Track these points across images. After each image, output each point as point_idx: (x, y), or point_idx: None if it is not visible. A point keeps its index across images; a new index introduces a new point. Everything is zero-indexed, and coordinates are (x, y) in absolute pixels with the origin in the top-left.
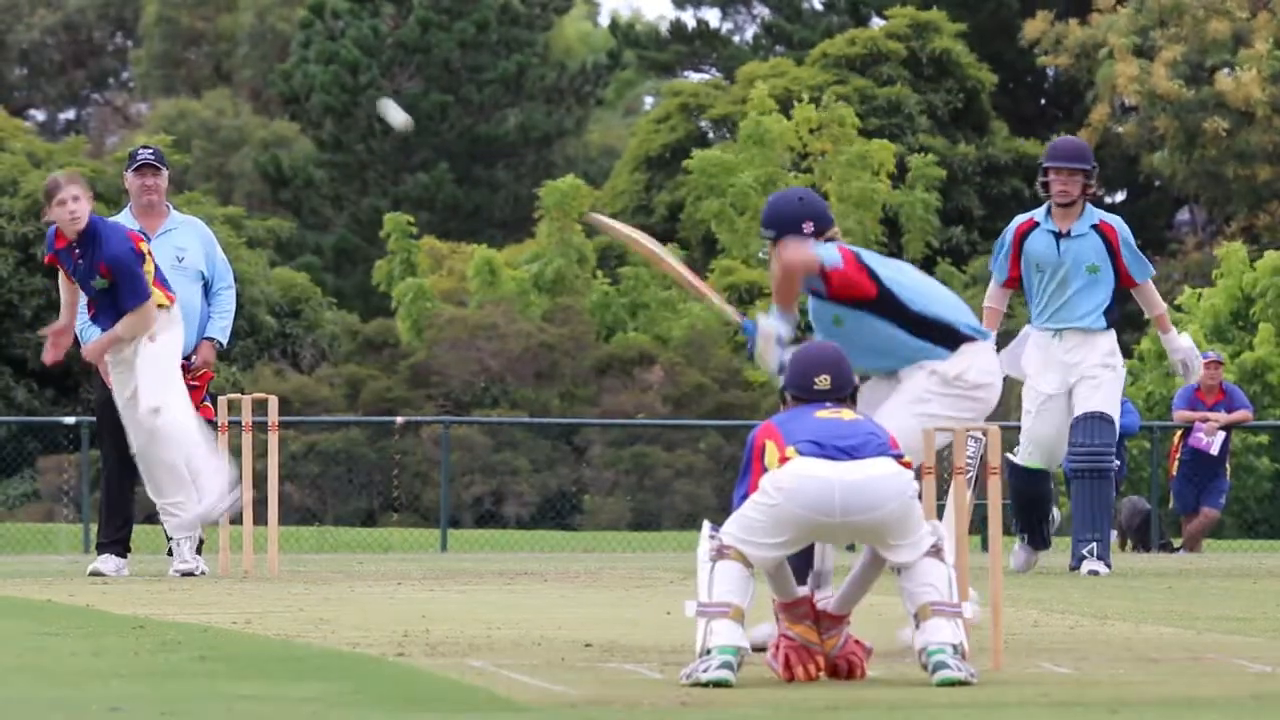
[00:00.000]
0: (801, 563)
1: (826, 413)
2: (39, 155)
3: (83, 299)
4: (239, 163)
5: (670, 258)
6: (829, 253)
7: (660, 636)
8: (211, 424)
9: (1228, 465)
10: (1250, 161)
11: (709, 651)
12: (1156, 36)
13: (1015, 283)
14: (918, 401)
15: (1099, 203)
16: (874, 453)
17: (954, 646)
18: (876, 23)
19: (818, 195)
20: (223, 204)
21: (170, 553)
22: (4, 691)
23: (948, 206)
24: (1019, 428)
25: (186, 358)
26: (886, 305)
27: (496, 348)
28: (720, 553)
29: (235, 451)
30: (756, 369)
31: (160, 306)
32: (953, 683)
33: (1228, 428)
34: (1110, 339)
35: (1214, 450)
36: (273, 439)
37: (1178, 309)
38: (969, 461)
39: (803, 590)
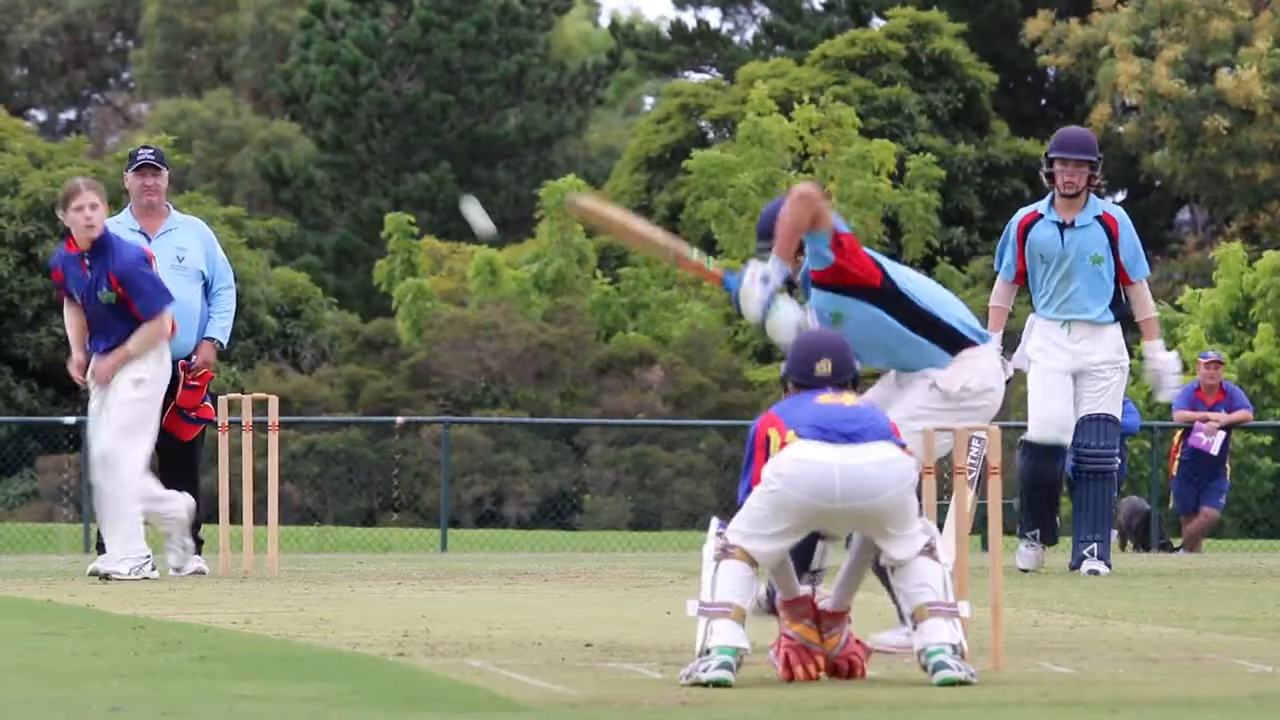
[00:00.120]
0: (800, 559)
1: (828, 398)
2: (39, 155)
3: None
4: (240, 163)
5: (641, 225)
6: (841, 221)
7: (660, 636)
8: (212, 424)
9: (1228, 465)
10: (1251, 161)
11: (708, 652)
12: (1157, 36)
13: (1022, 278)
14: (917, 418)
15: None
16: (876, 438)
17: (953, 647)
18: (877, 23)
19: None
20: (223, 204)
21: (100, 548)
22: (4, 691)
23: (948, 207)
24: (1019, 428)
25: (186, 358)
26: (889, 297)
27: (497, 348)
28: (725, 552)
29: (235, 451)
30: (756, 368)
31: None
32: (953, 683)
33: (1228, 428)
34: (1118, 333)
35: (1214, 450)
36: (273, 439)
37: (1178, 309)
38: (971, 462)
39: (804, 590)
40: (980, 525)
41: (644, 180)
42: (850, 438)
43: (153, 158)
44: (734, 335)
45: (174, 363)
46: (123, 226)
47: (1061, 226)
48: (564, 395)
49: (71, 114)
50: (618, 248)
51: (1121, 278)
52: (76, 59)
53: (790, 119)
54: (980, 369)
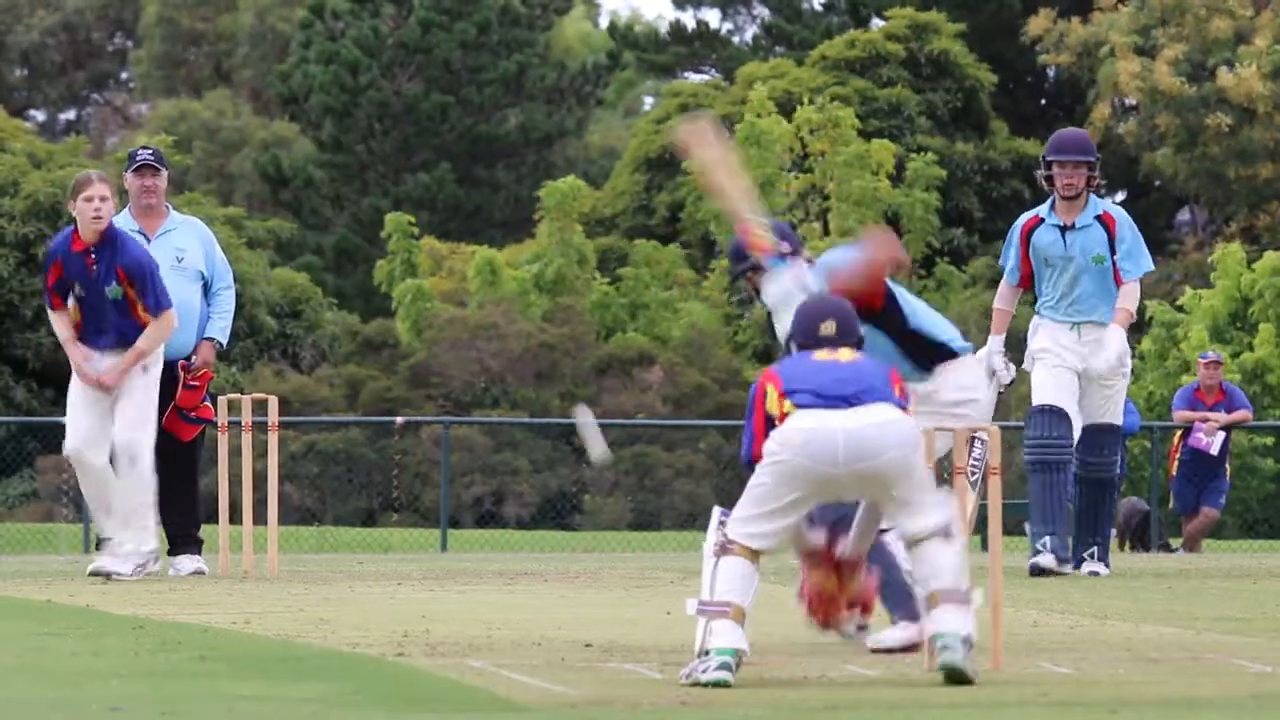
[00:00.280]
0: None
1: (824, 354)
2: (39, 156)
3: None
4: (239, 163)
5: (732, 180)
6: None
7: (660, 636)
8: (211, 424)
9: (1228, 465)
10: (1252, 160)
11: (707, 653)
12: (1158, 35)
13: (1027, 281)
14: None
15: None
16: (875, 399)
17: (963, 638)
18: (876, 23)
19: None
20: (223, 205)
21: (98, 546)
22: (4, 691)
23: (947, 207)
24: (1019, 428)
25: (186, 358)
26: (887, 317)
27: (496, 348)
28: (725, 548)
29: (235, 452)
30: (756, 368)
31: None
32: (955, 667)
33: (1227, 428)
34: (1123, 336)
35: (1214, 450)
36: (272, 439)
37: (1179, 309)
38: (974, 464)
39: (819, 539)
40: (980, 525)
41: (644, 180)
42: (849, 400)
43: (152, 158)
44: (733, 335)
45: (174, 363)
46: (122, 227)
47: (1063, 229)
48: (564, 395)
49: (71, 114)
50: (617, 249)
51: (1115, 276)
52: (76, 59)
53: (790, 120)
54: (952, 380)
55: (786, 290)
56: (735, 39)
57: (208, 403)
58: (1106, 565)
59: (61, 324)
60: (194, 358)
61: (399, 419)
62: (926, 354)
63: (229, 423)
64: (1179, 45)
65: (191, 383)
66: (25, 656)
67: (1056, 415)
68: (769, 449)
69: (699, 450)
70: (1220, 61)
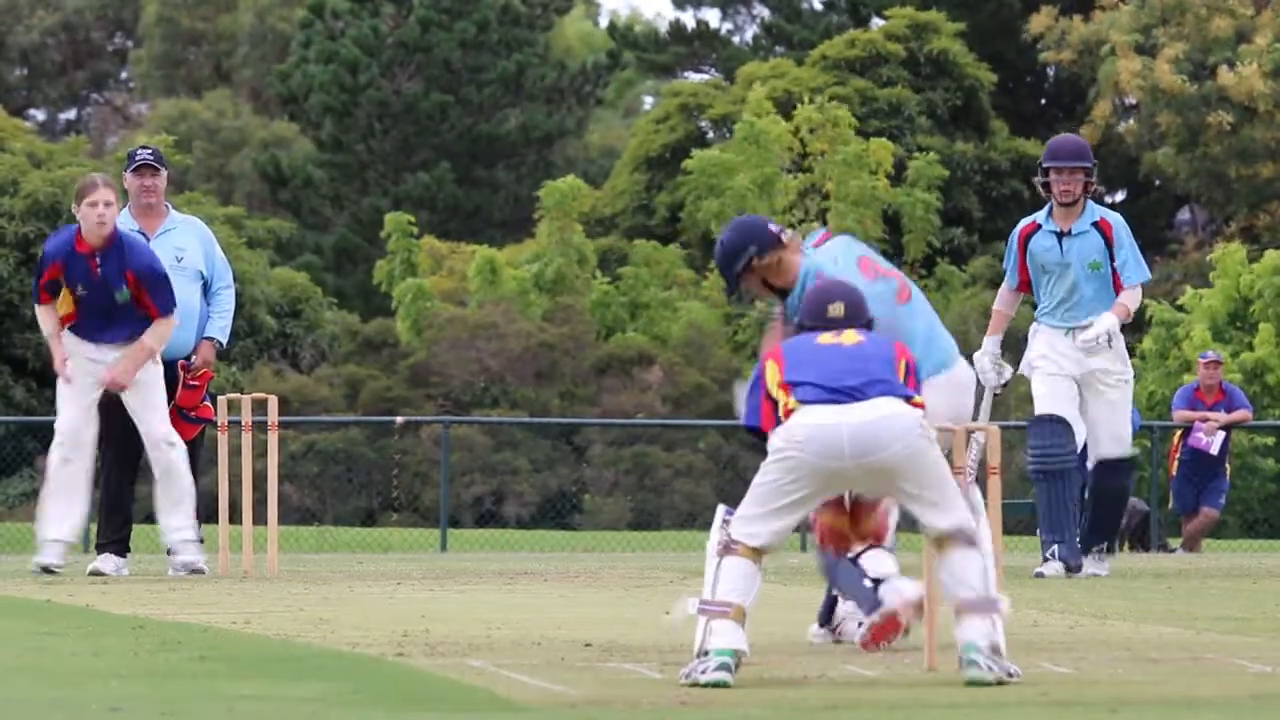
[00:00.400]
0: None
1: (829, 337)
2: (39, 155)
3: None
4: (239, 163)
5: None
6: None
7: (660, 636)
8: (211, 424)
9: (1228, 465)
10: (1253, 160)
11: (707, 653)
12: (1159, 34)
13: (1026, 286)
14: None
15: (1100, 200)
16: (880, 393)
17: (991, 646)
18: (876, 23)
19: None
20: (223, 204)
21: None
22: (4, 691)
23: (947, 207)
24: (1019, 427)
25: (186, 358)
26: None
27: (496, 348)
28: (728, 548)
29: (235, 451)
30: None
31: None
32: (980, 683)
33: (1227, 427)
34: (1120, 341)
35: (1214, 450)
36: (272, 439)
37: (1179, 309)
38: (971, 463)
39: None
40: None
41: (644, 180)
42: (853, 393)
43: (151, 158)
44: (733, 335)
45: (174, 362)
46: (121, 227)
47: (1060, 236)
48: (563, 395)
49: (71, 114)
50: (617, 249)
51: (1115, 282)
52: (76, 59)
53: (790, 119)
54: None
55: None
56: (735, 39)
57: (208, 402)
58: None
59: (48, 319)
60: (194, 357)
61: (399, 419)
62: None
63: (229, 422)
64: (1180, 44)
65: (191, 382)
66: (25, 656)
67: (1057, 424)
68: (774, 445)
69: (699, 450)
70: (1221, 60)
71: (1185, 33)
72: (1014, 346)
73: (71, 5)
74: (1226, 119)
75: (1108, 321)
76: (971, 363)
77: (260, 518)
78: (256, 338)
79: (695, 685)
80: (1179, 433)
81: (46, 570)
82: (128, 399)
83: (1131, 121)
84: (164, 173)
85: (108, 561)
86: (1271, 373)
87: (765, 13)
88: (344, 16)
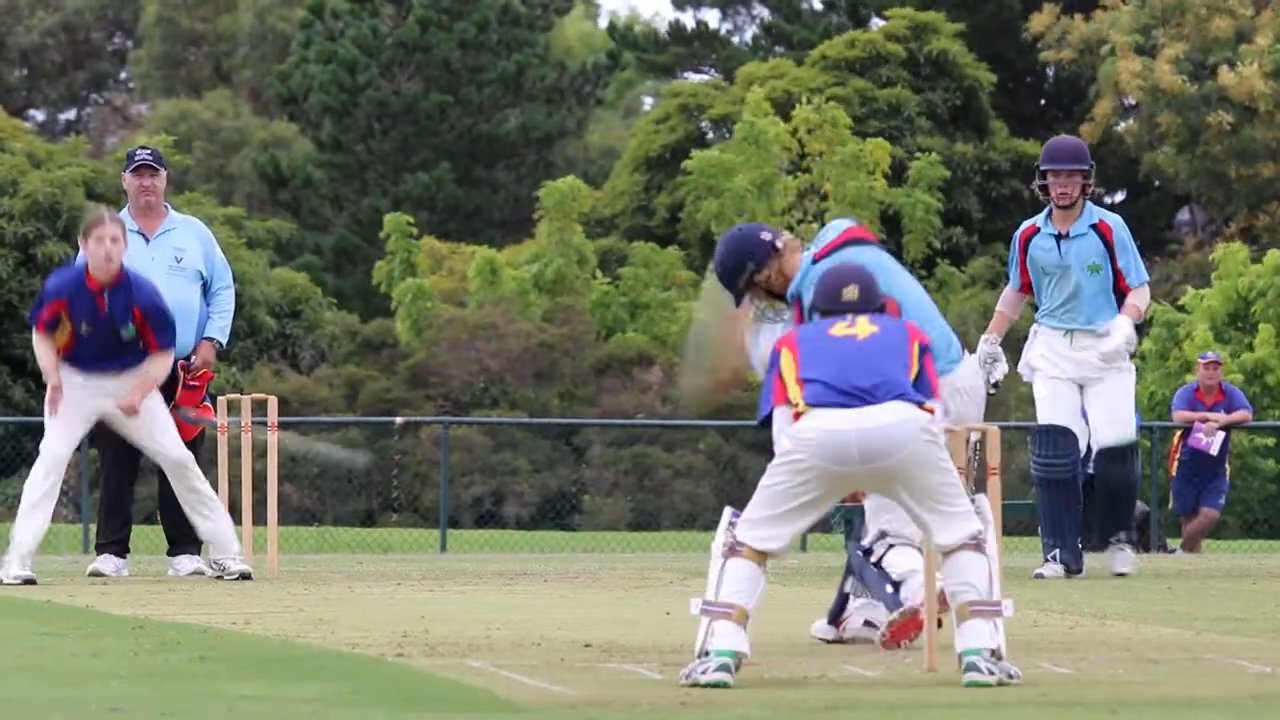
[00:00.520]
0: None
1: (841, 328)
2: (39, 156)
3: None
4: (239, 164)
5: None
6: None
7: (660, 636)
8: (212, 424)
9: (1227, 465)
10: (1253, 160)
11: (707, 653)
12: (1159, 34)
13: (1029, 288)
14: None
15: (1099, 203)
16: (889, 396)
17: (991, 651)
18: (876, 23)
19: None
20: (223, 205)
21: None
22: (4, 691)
23: (947, 207)
24: (1019, 428)
25: (186, 358)
26: None
27: (496, 348)
28: (733, 550)
29: (235, 452)
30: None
31: None
32: (980, 686)
33: (1227, 428)
34: (1130, 325)
35: (1213, 450)
36: (272, 439)
37: (1180, 309)
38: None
39: None
40: None
41: (643, 180)
42: (864, 395)
43: (150, 158)
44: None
45: (174, 362)
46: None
47: (1058, 238)
48: (563, 395)
49: (71, 114)
50: (617, 250)
51: (1120, 284)
52: (76, 59)
53: (788, 120)
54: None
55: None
56: (735, 39)
57: (208, 402)
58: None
59: (46, 350)
60: (194, 357)
61: (398, 419)
62: None
63: (229, 423)
64: (1180, 44)
65: (191, 382)
66: (25, 656)
67: (1060, 435)
68: (783, 448)
69: (698, 450)
70: (1221, 60)
71: (1185, 33)
72: (1014, 346)
73: (71, 5)
74: (1227, 119)
75: (1125, 329)
76: None
77: (260, 518)
78: (256, 338)
79: (695, 686)
80: (1179, 433)
81: (29, 581)
82: (134, 433)
83: (1131, 121)
84: (163, 173)
85: (107, 562)
86: (1272, 373)
87: (765, 13)
88: (343, 17)
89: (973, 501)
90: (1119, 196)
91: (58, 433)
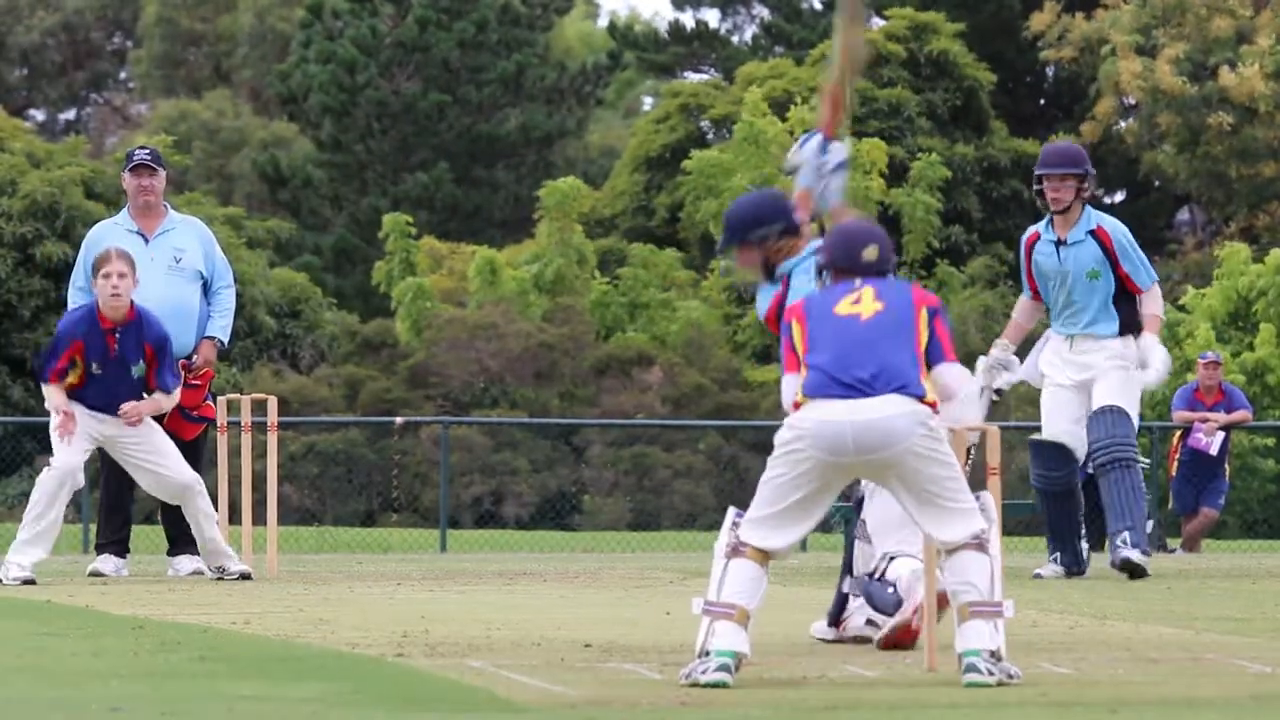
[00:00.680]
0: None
1: (847, 305)
2: (39, 155)
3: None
4: (239, 164)
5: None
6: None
7: (660, 636)
8: (211, 423)
9: (1227, 465)
10: (1253, 160)
11: (707, 653)
12: (1159, 35)
13: (1038, 295)
14: None
15: (1098, 204)
16: (888, 388)
17: (990, 652)
18: (876, 23)
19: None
20: (223, 205)
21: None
22: (4, 691)
23: (947, 207)
24: (1018, 428)
25: (187, 357)
26: None
27: (496, 348)
28: (736, 550)
29: (235, 452)
30: (755, 369)
31: None
32: (980, 686)
33: (1227, 428)
34: (1120, 343)
35: (1213, 450)
36: (272, 439)
37: (1181, 309)
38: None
39: None
40: None
41: (643, 180)
42: (861, 387)
43: (149, 158)
44: (733, 335)
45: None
46: (120, 227)
47: (1058, 244)
48: (563, 395)
49: (71, 114)
50: (617, 251)
51: (1131, 288)
52: (76, 59)
53: (785, 119)
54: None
55: (810, 169)
56: (734, 39)
57: (209, 402)
58: (1144, 550)
59: (58, 396)
60: (195, 357)
61: (398, 419)
62: None
63: (229, 423)
64: (1180, 44)
65: (193, 382)
66: (25, 656)
67: (1056, 449)
68: (782, 438)
69: (698, 450)
70: (1222, 61)
71: (1186, 33)
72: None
73: (71, 5)
74: (1227, 120)
75: (1159, 353)
76: (973, 367)
77: (260, 518)
78: (256, 338)
79: (695, 685)
80: (1179, 433)
81: (29, 581)
82: (134, 465)
83: (1131, 121)
84: (162, 173)
85: (107, 562)
86: (1272, 373)
87: (765, 13)
88: (343, 16)
89: (978, 498)
90: (1119, 196)
91: (64, 452)
